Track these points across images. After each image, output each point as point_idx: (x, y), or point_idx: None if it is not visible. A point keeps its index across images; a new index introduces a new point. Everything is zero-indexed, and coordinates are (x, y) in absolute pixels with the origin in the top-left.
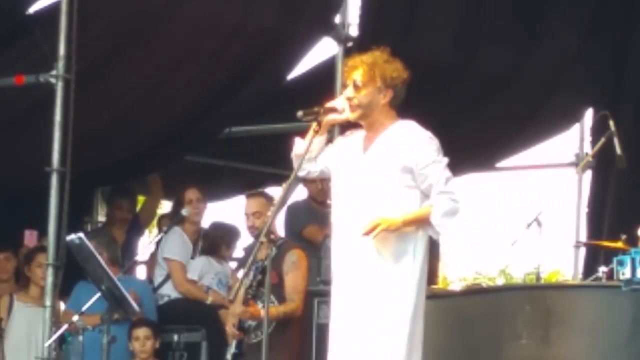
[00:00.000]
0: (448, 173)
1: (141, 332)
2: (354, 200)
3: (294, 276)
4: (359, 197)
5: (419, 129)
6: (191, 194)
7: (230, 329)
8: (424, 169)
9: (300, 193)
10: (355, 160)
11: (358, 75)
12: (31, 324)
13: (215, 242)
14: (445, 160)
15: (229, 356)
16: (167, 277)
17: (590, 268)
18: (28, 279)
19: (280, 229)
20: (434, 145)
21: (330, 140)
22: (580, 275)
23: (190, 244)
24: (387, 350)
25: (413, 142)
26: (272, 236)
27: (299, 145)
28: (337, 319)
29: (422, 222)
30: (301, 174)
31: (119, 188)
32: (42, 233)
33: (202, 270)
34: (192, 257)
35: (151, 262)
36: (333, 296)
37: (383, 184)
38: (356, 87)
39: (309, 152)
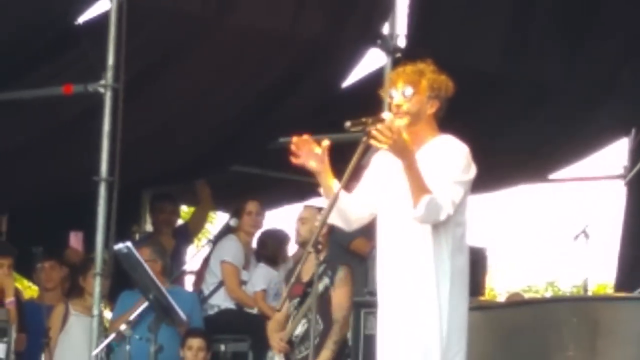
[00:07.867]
0: (457, 193)
1: (196, 342)
2: (394, 215)
3: (341, 293)
4: (399, 210)
5: (455, 143)
6: (252, 205)
7: (277, 342)
8: (439, 177)
9: None
10: (395, 174)
11: (407, 84)
12: (88, 334)
13: (275, 250)
14: (467, 179)
15: None
16: (218, 286)
17: (623, 280)
18: (82, 289)
19: None
20: (463, 160)
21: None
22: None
23: (243, 253)
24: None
25: (446, 155)
26: (320, 246)
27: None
28: (383, 331)
29: (418, 185)
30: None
31: (160, 194)
32: (89, 237)
33: (269, 279)
34: (244, 268)
35: (200, 272)
36: (378, 308)
37: None
38: (405, 95)
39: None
